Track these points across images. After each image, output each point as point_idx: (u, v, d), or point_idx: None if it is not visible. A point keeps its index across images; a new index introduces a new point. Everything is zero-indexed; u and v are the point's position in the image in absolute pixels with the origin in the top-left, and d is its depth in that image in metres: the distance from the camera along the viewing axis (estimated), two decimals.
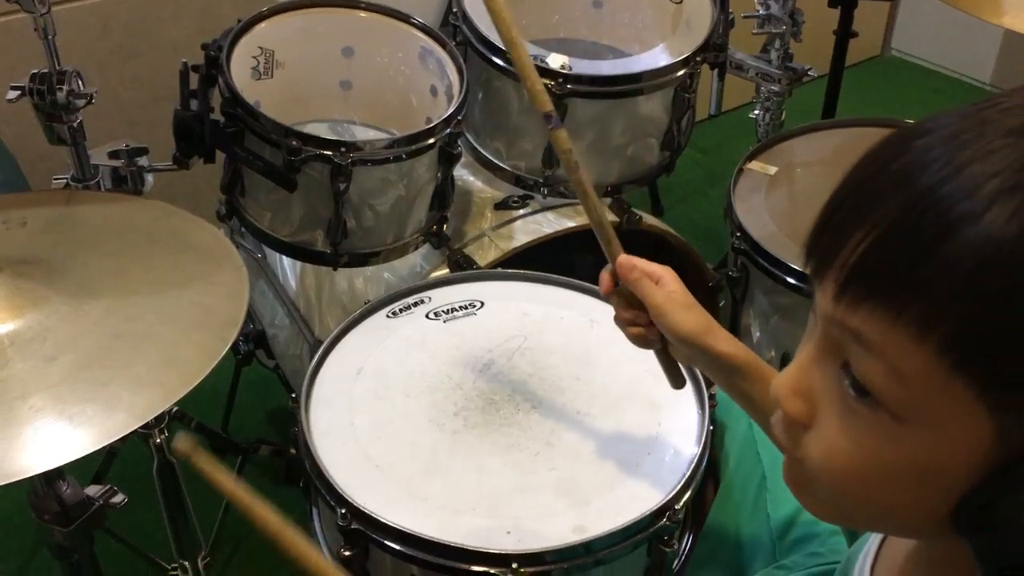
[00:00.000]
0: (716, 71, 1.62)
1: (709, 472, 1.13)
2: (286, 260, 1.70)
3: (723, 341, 0.92)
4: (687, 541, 1.11)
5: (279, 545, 0.67)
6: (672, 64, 1.46)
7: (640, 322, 0.95)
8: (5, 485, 0.78)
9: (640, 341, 0.97)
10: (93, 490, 1.01)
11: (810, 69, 1.83)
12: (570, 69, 1.41)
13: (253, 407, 1.89)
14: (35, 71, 1.23)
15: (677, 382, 1.02)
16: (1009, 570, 0.45)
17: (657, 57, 1.48)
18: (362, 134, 1.51)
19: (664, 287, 0.93)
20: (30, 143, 1.78)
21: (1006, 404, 0.45)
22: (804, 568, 0.94)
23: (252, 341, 1.72)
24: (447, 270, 1.43)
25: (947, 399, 0.46)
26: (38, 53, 1.24)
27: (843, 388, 0.50)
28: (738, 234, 1.47)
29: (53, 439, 0.80)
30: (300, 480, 1.10)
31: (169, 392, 0.84)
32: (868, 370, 0.48)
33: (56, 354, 0.86)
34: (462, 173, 1.61)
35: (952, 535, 0.49)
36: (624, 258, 0.94)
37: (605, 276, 0.97)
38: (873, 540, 0.64)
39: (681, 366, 1.02)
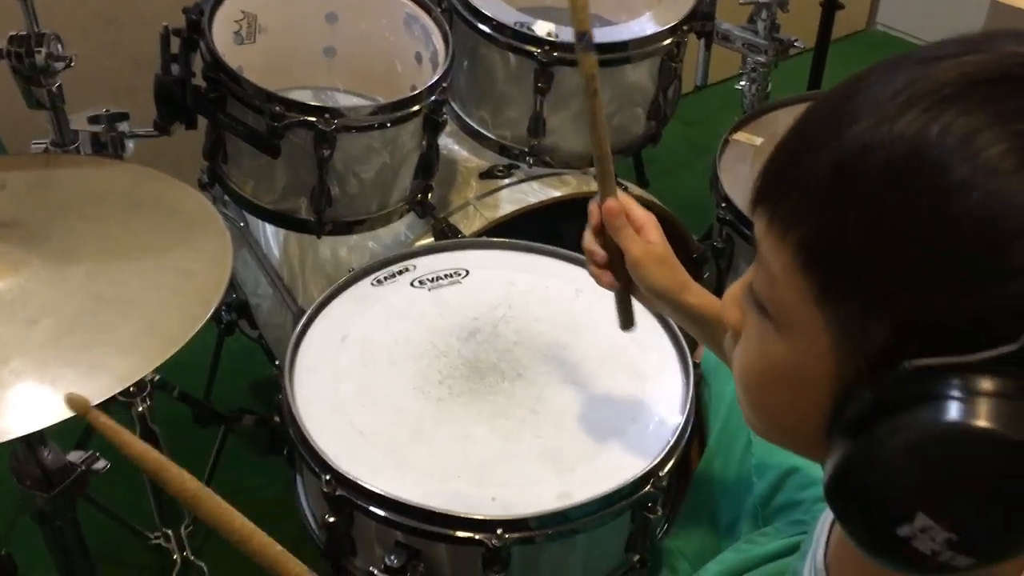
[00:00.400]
0: (703, 41, 1.62)
1: (695, 432, 1.13)
2: (269, 229, 1.69)
3: (695, 295, 0.93)
4: (670, 508, 1.11)
5: (194, 506, 0.61)
6: (659, 32, 1.45)
7: (600, 261, 0.94)
8: None
9: (600, 281, 0.96)
10: (75, 455, 1.00)
11: (796, 40, 1.83)
12: (557, 37, 1.40)
13: (236, 377, 1.88)
14: (13, 33, 1.21)
15: (627, 323, 1.00)
16: (841, 493, 0.47)
17: (644, 25, 1.47)
18: (346, 101, 1.50)
19: (645, 236, 0.93)
20: (8, 110, 1.75)
21: (837, 314, 0.47)
22: (786, 535, 0.94)
23: (235, 311, 1.72)
24: (432, 239, 1.43)
25: (800, 304, 0.49)
26: (15, 18, 1.22)
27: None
28: (723, 204, 1.48)
29: (35, 403, 0.80)
30: (284, 448, 1.10)
31: (152, 357, 0.84)
32: (757, 277, 0.52)
33: (37, 317, 0.85)
34: (447, 142, 1.60)
35: None
36: (612, 201, 0.93)
37: (594, 208, 0.95)
38: None
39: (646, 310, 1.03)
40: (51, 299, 0.88)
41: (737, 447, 1.07)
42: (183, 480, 0.60)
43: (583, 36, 0.89)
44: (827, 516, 0.65)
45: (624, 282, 0.95)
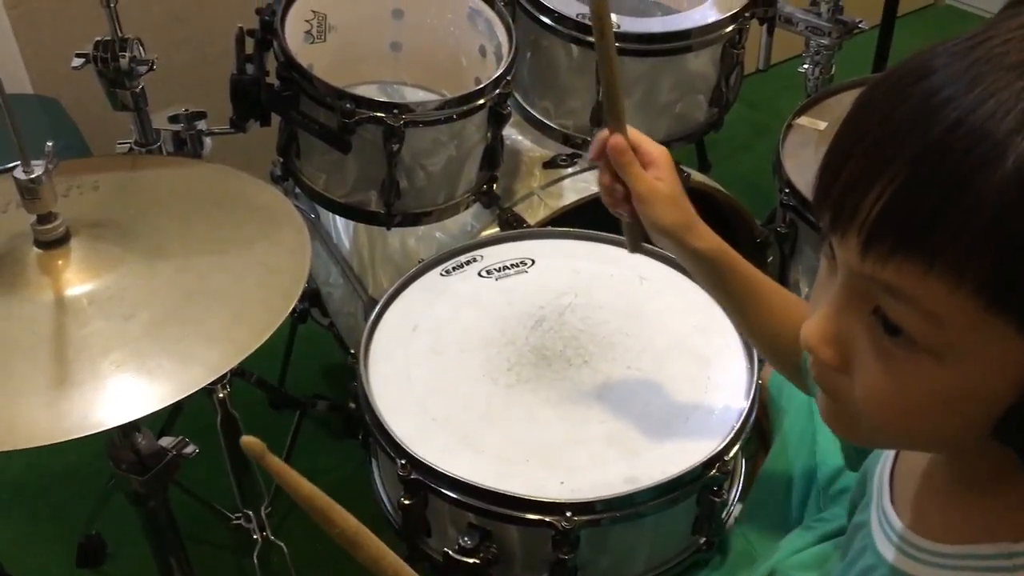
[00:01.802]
0: (765, 26, 1.61)
1: (760, 440, 1.15)
2: (339, 220, 1.74)
3: (700, 238, 0.92)
4: (736, 492, 1.13)
5: (356, 548, 0.64)
6: (721, 20, 1.46)
7: (616, 195, 0.95)
8: (77, 438, 0.83)
9: (612, 208, 0.98)
10: (166, 441, 1.06)
11: (861, 22, 1.81)
12: (619, 27, 1.42)
13: (309, 363, 1.94)
14: (98, 39, 1.27)
15: (634, 247, 1.01)
16: None
17: (706, 13, 1.48)
18: (412, 96, 1.53)
19: (654, 171, 0.92)
20: (88, 110, 1.82)
21: None
22: (842, 519, 0.96)
23: (307, 300, 1.77)
24: (497, 229, 1.46)
25: (986, 335, 0.48)
26: (92, 20, 1.27)
27: (876, 332, 0.52)
28: (787, 190, 1.48)
29: (134, 392, 0.85)
30: (359, 433, 1.14)
31: (239, 347, 0.88)
32: (903, 317, 0.50)
33: (133, 312, 0.90)
34: (511, 133, 1.63)
35: (989, 444, 0.52)
36: (617, 138, 0.92)
37: (598, 141, 0.95)
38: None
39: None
40: (144, 294, 0.93)
41: (806, 440, 1.08)
42: (345, 520, 0.64)
43: None
44: (887, 460, 0.67)
45: (633, 214, 0.96)
